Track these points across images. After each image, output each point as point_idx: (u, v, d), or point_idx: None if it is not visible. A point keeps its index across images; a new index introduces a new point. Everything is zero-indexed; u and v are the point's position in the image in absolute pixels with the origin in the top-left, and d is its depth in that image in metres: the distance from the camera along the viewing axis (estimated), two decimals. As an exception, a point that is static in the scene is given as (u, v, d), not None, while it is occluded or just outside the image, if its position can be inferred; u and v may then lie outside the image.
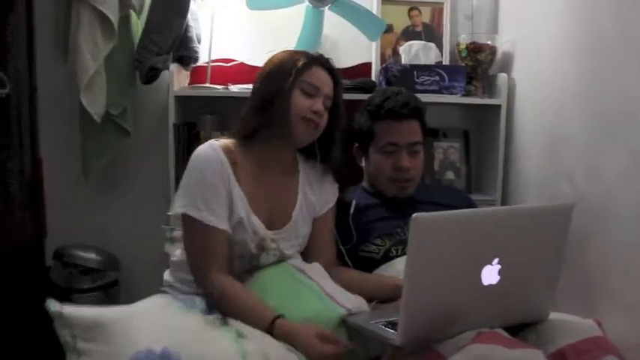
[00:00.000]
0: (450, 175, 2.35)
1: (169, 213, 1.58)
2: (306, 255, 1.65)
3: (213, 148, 1.54)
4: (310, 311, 1.40)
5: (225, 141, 1.58)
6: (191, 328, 1.31)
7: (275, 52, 1.66)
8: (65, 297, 2.10)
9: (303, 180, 1.68)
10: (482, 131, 2.39)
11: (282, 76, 1.54)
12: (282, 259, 1.59)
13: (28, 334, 2.15)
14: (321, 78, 1.59)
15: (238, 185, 1.53)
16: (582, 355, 1.22)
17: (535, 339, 1.31)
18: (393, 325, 1.29)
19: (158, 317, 1.34)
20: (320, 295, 1.46)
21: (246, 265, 1.56)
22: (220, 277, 1.46)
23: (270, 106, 1.54)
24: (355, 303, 1.46)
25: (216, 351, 1.22)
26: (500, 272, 1.25)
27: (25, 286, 2.23)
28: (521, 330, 1.34)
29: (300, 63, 1.56)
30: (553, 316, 1.38)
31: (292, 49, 1.69)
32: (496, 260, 1.24)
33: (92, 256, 2.24)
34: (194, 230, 1.49)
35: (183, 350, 1.18)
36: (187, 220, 1.50)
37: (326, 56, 1.65)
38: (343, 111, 1.69)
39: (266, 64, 1.64)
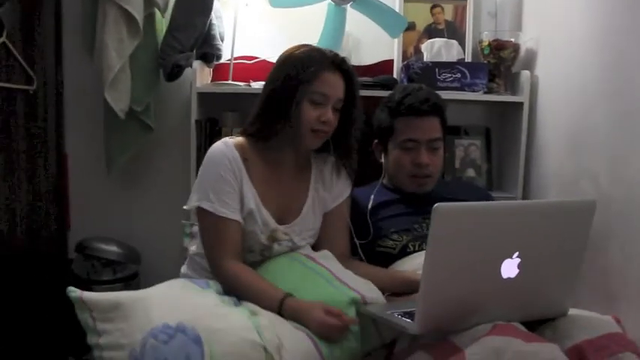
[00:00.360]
0: (470, 172, 2.34)
1: (185, 207, 1.62)
2: (318, 249, 1.65)
3: (227, 145, 1.57)
4: (321, 296, 1.41)
5: (239, 139, 1.60)
6: (206, 305, 1.34)
7: (288, 49, 1.61)
8: (86, 288, 2.04)
9: (315, 176, 1.68)
10: (504, 129, 2.37)
11: (291, 87, 1.52)
12: (293, 249, 1.60)
13: (51, 324, 2.20)
14: (330, 84, 1.55)
15: (250, 181, 1.56)
16: (600, 351, 1.20)
17: (552, 335, 1.29)
18: (409, 315, 1.29)
19: (174, 296, 1.38)
20: (330, 280, 1.46)
21: (258, 257, 1.59)
22: (234, 265, 1.50)
23: (281, 114, 1.54)
24: (365, 287, 1.46)
25: (231, 325, 1.25)
26: (519, 266, 1.24)
27: (48, 277, 2.28)
28: (538, 325, 1.33)
29: (309, 71, 1.51)
30: (571, 312, 1.36)
31: (306, 45, 1.62)
32: (516, 254, 1.23)
33: (113, 248, 2.28)
34: (208, 222, 1.53)
35: (198, 324, 1.20)
36: (201, 213, 1.54)
37: (343, 54, 1.62)
38: (360, 109, 1.64)
39: (278, 65, 1.59)
